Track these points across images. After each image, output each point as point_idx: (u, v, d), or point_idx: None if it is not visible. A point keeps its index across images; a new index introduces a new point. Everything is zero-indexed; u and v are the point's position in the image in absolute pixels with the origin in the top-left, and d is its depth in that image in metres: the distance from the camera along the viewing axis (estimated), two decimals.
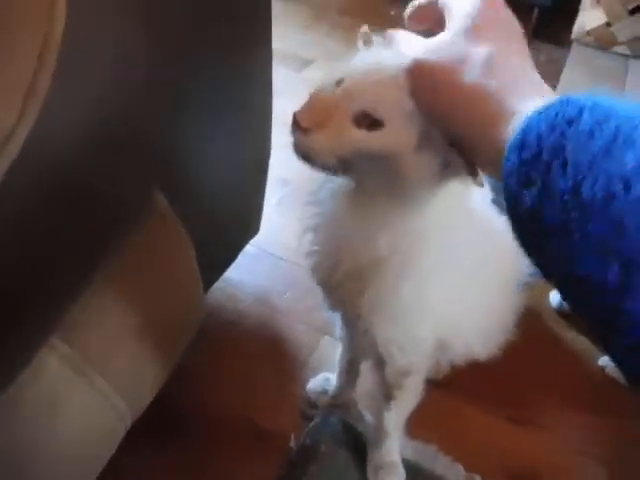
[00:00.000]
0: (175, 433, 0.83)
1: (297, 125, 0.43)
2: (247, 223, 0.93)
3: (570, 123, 0.29)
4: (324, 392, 0.85)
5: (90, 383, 0.53)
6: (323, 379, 0.86)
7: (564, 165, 0.28)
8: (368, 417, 0.82)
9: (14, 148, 0.30)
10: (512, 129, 0.32)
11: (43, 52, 0.31)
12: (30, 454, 0.51)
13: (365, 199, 0.50)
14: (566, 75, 1.44)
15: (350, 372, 0.81)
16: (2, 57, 0.30)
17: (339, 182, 0.52)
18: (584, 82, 1.42)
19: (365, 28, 0.50)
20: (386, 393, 0.67)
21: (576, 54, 1.50)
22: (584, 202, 0.27)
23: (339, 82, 0.44)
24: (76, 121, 0.37)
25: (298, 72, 1.59)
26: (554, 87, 1.39)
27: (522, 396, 0.87)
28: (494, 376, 0.85)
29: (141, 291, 0.60)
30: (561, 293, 0.31)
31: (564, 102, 0.30)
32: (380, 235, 0.50)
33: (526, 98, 0.33)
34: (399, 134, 0.42)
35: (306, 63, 1.63)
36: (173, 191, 0.64)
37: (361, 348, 0.73)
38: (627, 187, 0.26)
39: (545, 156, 0.29)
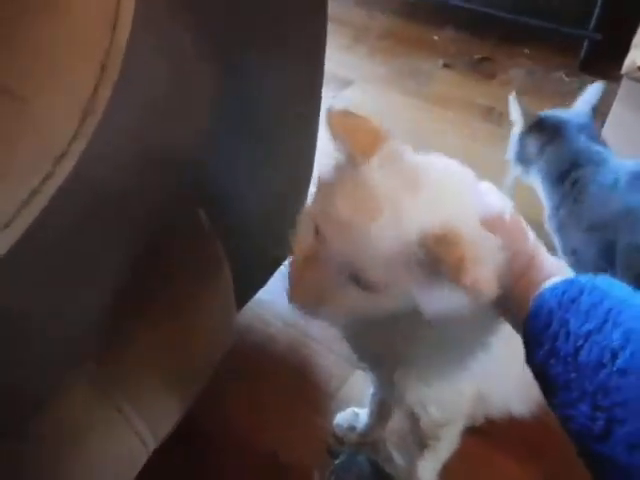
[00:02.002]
0: (197, 460, 0.79)
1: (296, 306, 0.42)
2: (283, 244, 0.90)
3: (573, 302, 0.38)
4: (352, 428, 0.81)
5: (116, 408, 0.50)
6: (352, 414, 0.82)
7: (567, 335, 0.37)
8: (397, 458, 0.77)
9: (67, 166, 0.28)
10: (534, 300, 0.41)
11: (106, 61, 0.29)
12: (51, 475, 0.48)
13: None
14: (615, 110, 1.40)
15: (381, 412, 0.77)
16: (65, 65, 0.28)
17: None
18: (634, 117, 1.38)
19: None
20: (421, 442, 0.63)
21: (626, 89, 1.46)
22: (581, 366, 0.36)
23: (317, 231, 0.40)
24: (128, 140, 0.35)
25: (337, 92, 1.58)
26: (602, 121, 1.35)
27: (559, 451, 0.81)
28: (531, 428, 0.80)
29: (174, 314, 0.58)
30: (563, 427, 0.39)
31: (569, 283, 0.40)
32: (413, 344, 0.48)
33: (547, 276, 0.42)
34: (402, 291, 0.39)
35: (346, 84, 1.62)
36: (214, 210, 0.63)
37: (394, 400, 0.69)
38: (614, 358, 0.34)
39: (554, 327, 0.38)
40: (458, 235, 0.37)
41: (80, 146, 0.29)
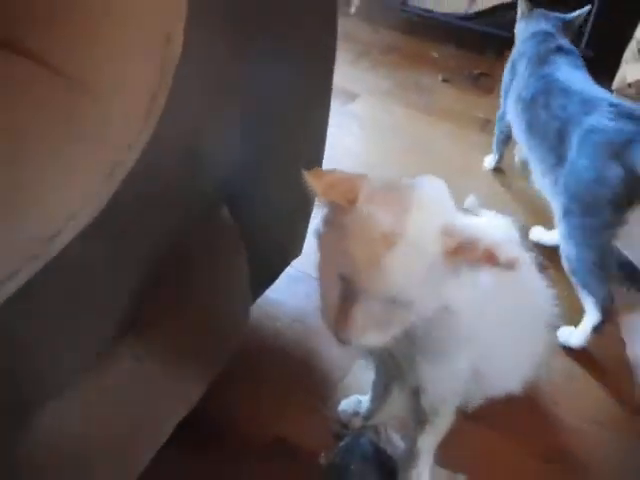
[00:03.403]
0: (209, 446, 0.84)
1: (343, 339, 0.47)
2: (292, 244, 0.96)
3: None
4: (355, 413, 0.87)
5: (151, 374, 0.56)
6: (355, 401, 0.88)
7: None
8: (397, 440, 0.83)
9: (134, 156, 0.35)
10: None
11: (163, 69, 0.36)
12: (97, 429, 0.53)
13: None
14: None
15: (382, 396, 0.83)
16: (133, 70, 0.35)
17: None
18: None
19: None
20: (422, 418, 0.70)
21: None
22: None
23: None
24: (177, 138, 0.42)
25: (343, 106, 1.65)
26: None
27: (554, 432, 0.87)
28: (528, 412, 0.86)
29: (198, 295, 0.64)
30: None
31: None
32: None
33: None
34: (431, 295, 0.46)
35: (351, 97, 1.70)
36: (235, 209, 0.69)
37: (398, 379, 0.75)
38: None
39: None
40: (468, 236, 0.44)
41: (144, 139, 0.35)
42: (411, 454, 0.73)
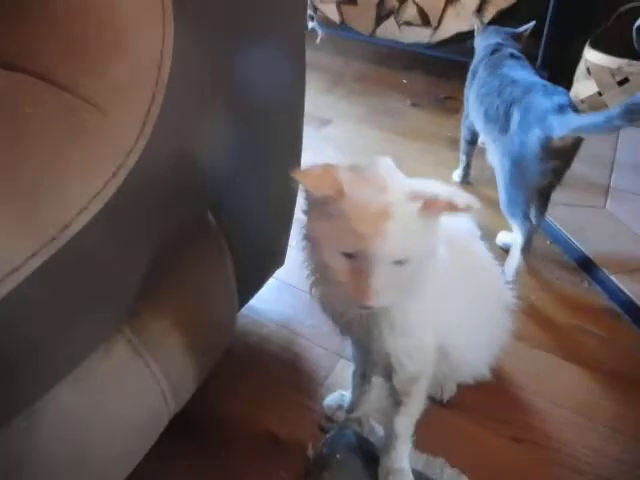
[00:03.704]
0: (200, 442, 0.90)
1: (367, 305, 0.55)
2: (275, 255, 1.03)
3: None
4: (339, 407, 0.93)
5: (146, 365, 0.62)
6: (339, 395, 0.94)
7: None
8: (379, 430, 0.89)
9: (133, 159, 0.42)
10: None
11: (155, 90, 0.44)
12: (94, 416, 0.59)
13: None
14: None
15: (362, 388, 0.90)
16: (131, 92, 0.43)
17: None
18: None
19: None
20: (395, 400, 0.76)
21: None
22: None
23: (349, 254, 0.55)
24: (168, 147, 0.49)
25: (318, 130, 1.76)
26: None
27: (523, 417, 0.94)
28: (496, 396, 0.93)
29: (188, 296, 0.71)
30: None
31: None
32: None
33: None
34: (420, 248, 0.56)
35: (325, 122, 1.81)
36: (220, 219, 0.76)
37: (372, 362, 0.82)
38: None
39: None
40: (430, 193, 0.55)
41: (140, 146, 0.43)
42: (390, 436, 0.79)
